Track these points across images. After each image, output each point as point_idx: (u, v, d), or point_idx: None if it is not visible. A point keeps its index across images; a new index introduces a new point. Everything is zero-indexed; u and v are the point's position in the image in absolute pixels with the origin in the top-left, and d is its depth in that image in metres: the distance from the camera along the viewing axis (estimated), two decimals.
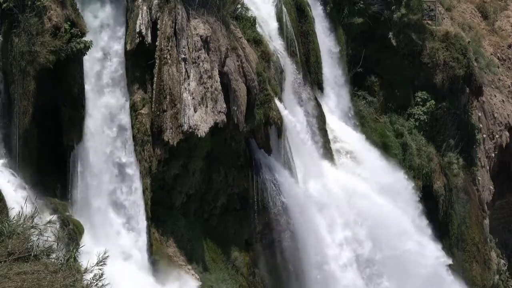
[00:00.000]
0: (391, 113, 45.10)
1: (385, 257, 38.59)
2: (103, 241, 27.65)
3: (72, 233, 26.33)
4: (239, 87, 32.27)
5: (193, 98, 30.62)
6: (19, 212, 15.49)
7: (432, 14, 47.80)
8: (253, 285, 34.24)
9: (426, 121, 45.56)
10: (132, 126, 30.01)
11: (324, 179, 37.62)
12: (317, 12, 41.55)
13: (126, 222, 29.44)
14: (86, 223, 27.93)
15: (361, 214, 38.02)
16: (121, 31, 29.82)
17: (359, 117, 43.06)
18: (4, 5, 26.12)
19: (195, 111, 30.59)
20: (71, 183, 27.89)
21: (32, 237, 15.14)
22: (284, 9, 38.07)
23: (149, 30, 30.16)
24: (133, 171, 29.69)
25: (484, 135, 50.35)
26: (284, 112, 35.29)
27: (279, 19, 37.90)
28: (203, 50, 31.28)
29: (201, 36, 31.31)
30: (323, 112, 39.24)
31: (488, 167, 50.79)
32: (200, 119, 30.67)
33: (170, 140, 30.25)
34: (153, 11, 30.37)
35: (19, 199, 24.63)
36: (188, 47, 30.88)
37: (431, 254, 40.72)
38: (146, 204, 29.97)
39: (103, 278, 14.40)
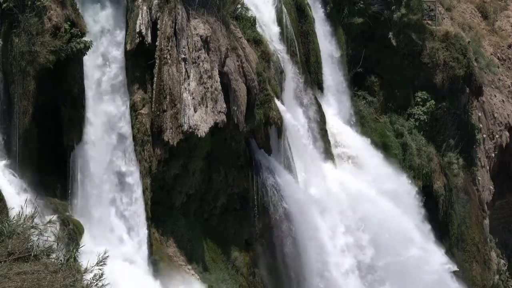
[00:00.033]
0: (391, 113, 45.10)
1: (388, 264, 38.29)
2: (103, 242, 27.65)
3: (72, 233, 26.33)
4: (239, 87, 32.27)
5: (193, 98, 30.62)
6: (19, 212, 15.49)
7: (432, 14, 47.81)
8: (253, 285, 34.23)
9: (426, 121, 45.56)
10: (132, 126, 30.00)
11: (326, 181, 37.54)
12: (318, 15, 41.52)
13: (127, 232, 29.44)
14: (86, 224, 27.94)
15: (364, 218, 37.76)
16: (120, 35, 29.75)
17: (359, 117, 43.05)
18: (4, 5, 26.12)
19: (195, 111, 30.59)
20: (71, 187, 27.94)
21: (32, 237, 15.15)
22: (284, 9, 38.07)
23: (149, 30, 30.16)
24: (133, 180, 29.66)
25: (484, 135, 50.35)
26: (284, 112, 35.28)
27: (279, 19, 37.90)
28: (203, 50, 31.28)
29: (201, 36, 31.31)
30: (323, 112, 39.24)
31: (488, 167, 50.79)
32: (200, 119, 30.67)
33: (170, 140, 30.25)
34: (153, 11, 30.37)
35: (19, 199, 24.62)
36: (188, 47, 30.88)
37: (435, 260, 40.46)
38: (146, 204, 29.98)
39: (103, 278, 14.40)
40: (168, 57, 30.43)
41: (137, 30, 29.82)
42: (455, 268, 41.97)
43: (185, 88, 30.58)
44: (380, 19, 43.77)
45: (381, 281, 38.27)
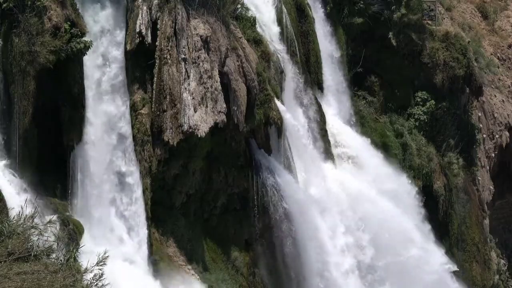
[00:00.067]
0: (391, 113, 45.10)
1: (388, 264, 38.18)
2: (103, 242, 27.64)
3: (72, 233, 26.33)
4: (239, 87, 32.27)
5: (193, 98, 30.62)
6: (19, 212, 15.49)
7: (432, 14, 47.80)
8: (253, 285, 34.23)
9: (426, 121, 45.56)
10: (132, 126, 30.00)
11: (326, 181, 37.52)
12: (318, 15, 41.51)
13: (127, 232, 29.43)
14: (86, 224, 27.94)
15: (364, 218, 37.66)
16: (120, 36, 29.75)
17: (359, 117, 43.05)
18: (4, 5, 26.12)
19: (195, 111, 30.59)
20: (71, 187, 27.94)
21: (32, 237, 15.15)
22: (284, 9, 38.06)
23: (149, 30, 30.15)
24: (133, 180, 29.65)
25: (484, 135, 50.35)
26: (284, 112, 35.28)
27: (279, 19, 37.89)
28: (203, 50, 31.28)
29: (201, 36, 31.31)
30: (323, 112, 39.23)
31: (488, 167, 50.79)
32: (200, 119, 30.67)
33: (170, 140, 30.24)
34: (153, 11, 30.36)
35: (19, 199, 24.62)
36: (188, 47, 30.88)
37: (435, 260, 40.37)
38: (146, 204, 29.98)
39: (103, 278, 14.40)
40: (168, 57, 30.43)
41: (137, 30, 29.82)
42: (455, 268, 41.90)
43: (185, 88, 30.58)
44: (380, 19, 43.77)
45: (381, 281, 38.21)
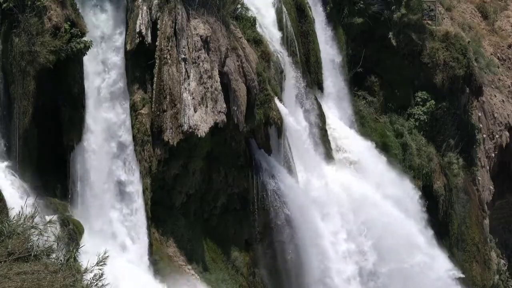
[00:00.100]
0: (391, 113, 45.10)
1: (391, 270, 37.75)
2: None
3: (72, 233, 26.32)
4: (239, 87, 32.27)
5: (193, 98, 30.62)
6: (19, 212, 15.48)
7: (432, 14, 47.80)
8: (253, 285, 34.23)
9: (426, 121, 45.55)
10: (132, 126, 30.00)
11: (325, 181, 37.44)
12: (318, 15, 41.48)
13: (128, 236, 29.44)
14: (86, 224, 27.92)
15: (367, 222, 37.26)
16: (119, 41, 29.70)
17: (359, 117, 43.03)
18: (4, 5, 26.13)
19: (195, 111, 30.59)
20: (71, 187, 27.94)
21: (32, 237, 15.14)
22: (284, 9, 38.06)
23: (149, 30, 30.15)
24: (134, 189, 29.62)
25: (484, 135, 50.35)
26: (284, 112, 35.26)
27: (279, 19, 37.89)
28: (203, 50, 31.28)
29: (201, 36, 31.31)
30: (323, 112, 39.22)
31: (488, 167, 50.78)
32: (200, 119, 30.67)
33: (170, 140, 30.24)
34: (153, 11, 30.36)
35: (19, 199, 24.62)
36: (188, 47, 30.88)
37: (440, 266, 40.05)
38: (146, 204, 29.98)
39: (103, 278, 14.40)
40: (168, 57, 30.42)
41: (137, 30, 29.82)
42: (460, 274, 41.55)
43: (185, 88, 30.58)
44: (380, 19, 43.77)
45: None
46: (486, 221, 49.39)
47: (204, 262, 32.57)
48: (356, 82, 43.94)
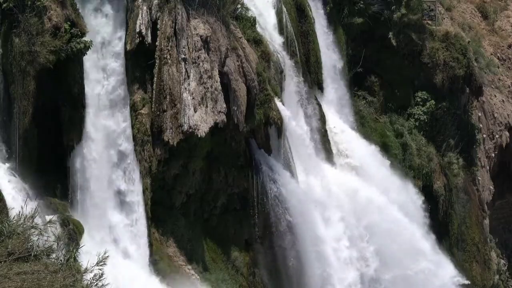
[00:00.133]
0: (391, 113, 45.10)
1: (394, 277, 37.31)
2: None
3: (72, 233, 26.32)
4: (239, 87, 32.27)
5: (193, 98, 30.62)
6: (19, 212, 15.48)
7: (432, 14, 47.80)
8: (253, 285, 34.22)
9: (426, 121, 45.56)
10: (132, 126, 30.00)
11: (325, 180, 37.39)
12: (318, 15, 41.46)
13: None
14: (85, 224, 27.91)
15: (370, 227, 36.90)
16: (119, 46, 29.67)
17: (359, 117, 43.02)
18: (4, 5, 26.12)
19: (195, 111, 30.59)
20: (71, 186, 27.94)
21: (32, 237, 15.13)
22: (284, 9, 38.07)
23: (149, 30, 30.15)
24: (134, 199, 29.60)
25: (484, 135, 50.35)
26: (284, 112, 35.25)
27: (279, 19, 37.89)
28: (203, 50, 31.28)
29: (201, 36, 31.31)
30: (323, 112, 39.22)
31: (488, 167, 50.78)
32: (200, 119, 30.67)
33: (170, 140, 30.24)
34: (153, 11, 30.36)
35: (19, 199, 24.62)
36: (188, 47, 30.88)
37: (445, 273, 39.76)
38: (146, 204, 29.97)
39: (103, 278, 14.39)
40: (168, 57, 30.43)
41: (137, 30, 29.82)
42: (465, 281, 41.31)
43: (185, 88, 30.58)
44: (380, 19, 43.77)
45: None
46: (486, 221, 49.39)
47: (204, 262, 32.57)
48: (356, 82, 43.95)
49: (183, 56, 30.70)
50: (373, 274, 36.84)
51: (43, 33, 26.44)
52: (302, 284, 34.62)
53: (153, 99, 30.31)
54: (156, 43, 30.37)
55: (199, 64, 31.07)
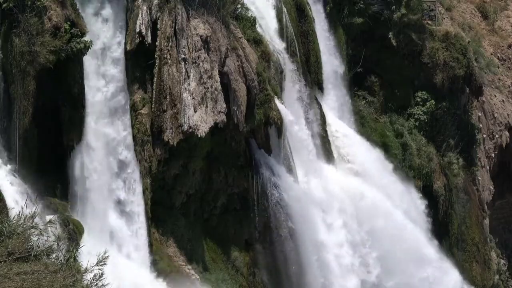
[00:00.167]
0: (391, 113, 45.10)
1: (397, 284, 36.90)
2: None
3: (72, 233, 26.32)
4: (239, 87, 32.27)
5: (193, 98, 30.62)
6: (19, 212, 15.48)
7: (432, 14, 47.79)
8: (253, 285, 34.22)
9: (426, 121, 45.55)
10: (132, 126, 30.00)
11: (324, 180, 37.37)
12: (318, 14, 41.44)
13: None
14: (85, 224, 27.91)
15: (373, 232, 36.56)
16: (118, 51, 29.64)
17: (359, 117, 43.02)
18: (4, 5, 26.12)
19: (195, 111, 30.59)
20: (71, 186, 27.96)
21: (32, 237, 15.14)
22: (284, 9, 38.06)
23: (149, 30, 30.15)
24: (135, 210, 29.59)
25: (484, 135, 50.35)
26: (284, 112, 35.25)
27: (279, 19, 37.88)
28: (203, 50, 31.28)
29: (201, 36, 31.31)
30: (323, 112, 39.21)
31: (488, 167, 50.78)
32: (200, 119, 30.67)
33: (170, 140, 30.24)
34: (153, 11, 30.36)
35: (19, 199, 24.62)
36: (188, 47, 30.88)
37: (450, 279, 39.46)
38: (146, 204, 29.98)
39: (103, 278, 14.40)
40: (168, 57, 30.42)
41: (137, 30, 29.82)
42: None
43: (185, 88, 30.58)
44: (380, 19, 43.76)
45: None
46: (486, 221, 49.39)
47: (204, 262, 32.57)
48: (356, 82, 43.95)
49: (183, 56, 30.70)
50: (375, 281, 36.46)
51: (43, 33, 26.44)
52: (302, 284, 34.59)
53: (153, 99, 30.31)
54: (156, 43, 30.37)
55: (199, 64, 31.07)
